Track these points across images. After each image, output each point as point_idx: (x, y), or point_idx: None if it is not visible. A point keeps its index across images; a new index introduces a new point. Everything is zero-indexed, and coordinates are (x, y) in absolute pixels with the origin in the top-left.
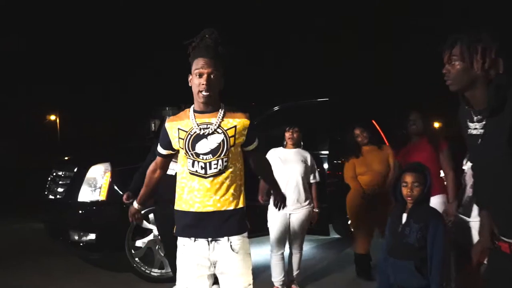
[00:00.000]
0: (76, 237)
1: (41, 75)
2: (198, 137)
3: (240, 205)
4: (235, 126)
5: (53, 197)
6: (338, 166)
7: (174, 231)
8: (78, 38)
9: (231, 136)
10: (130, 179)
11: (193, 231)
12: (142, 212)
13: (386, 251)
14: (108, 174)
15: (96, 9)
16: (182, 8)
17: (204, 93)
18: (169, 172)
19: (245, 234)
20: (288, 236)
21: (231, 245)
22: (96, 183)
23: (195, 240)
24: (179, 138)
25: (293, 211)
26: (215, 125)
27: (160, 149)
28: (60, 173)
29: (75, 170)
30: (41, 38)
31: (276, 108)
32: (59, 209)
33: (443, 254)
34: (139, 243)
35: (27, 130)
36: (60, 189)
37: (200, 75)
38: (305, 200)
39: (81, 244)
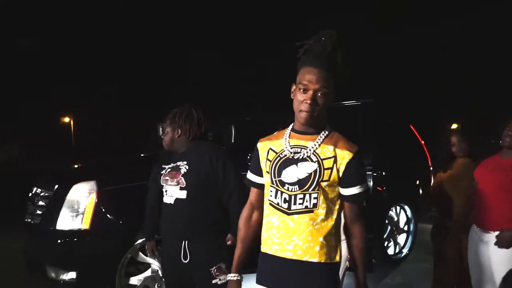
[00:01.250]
0: (53, 274)
1: (55, 77)
2: (287, 162)
3: (332, 259)
4: (334, 157)
5: (30, 221)
6: (378, 180)
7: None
8: (93, 40)
9: (327, 169)
10: (121, 203)
11: (273, 281)
12: (137, 243)
13: None
14: (94, 196)
15: (109, 13)
16: (182, 8)
17: (305, 112)
18: (167, 200)
19: None
20: None
21: None
22: (79, 206)
23: None
24: (267, 159)
25: None
26: (310, 150)
27: (253, 177)
28: (38, 191)
29: (55, 189)
30: (56, 40)
31: None
32: (35, 237)
33: None
34: (134, 280)
35: (40, 132)
36: (38, 212)
37: (305, 91)
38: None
39: (61, 282)
